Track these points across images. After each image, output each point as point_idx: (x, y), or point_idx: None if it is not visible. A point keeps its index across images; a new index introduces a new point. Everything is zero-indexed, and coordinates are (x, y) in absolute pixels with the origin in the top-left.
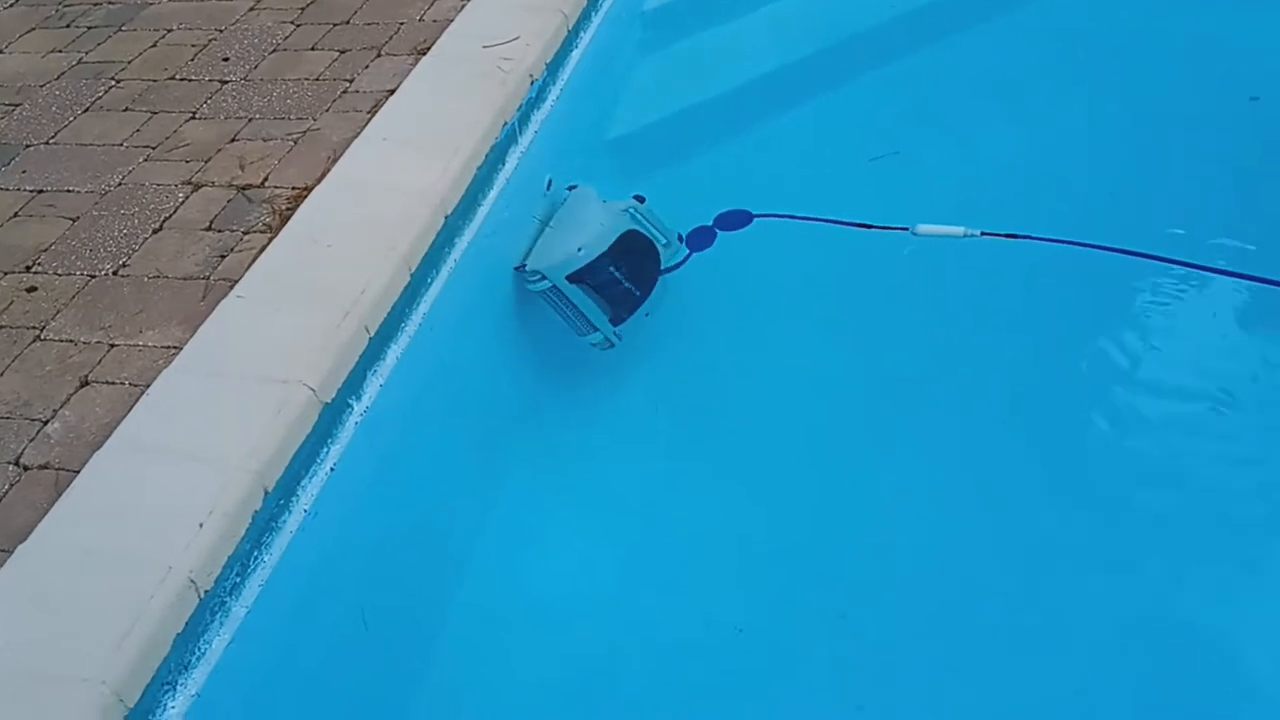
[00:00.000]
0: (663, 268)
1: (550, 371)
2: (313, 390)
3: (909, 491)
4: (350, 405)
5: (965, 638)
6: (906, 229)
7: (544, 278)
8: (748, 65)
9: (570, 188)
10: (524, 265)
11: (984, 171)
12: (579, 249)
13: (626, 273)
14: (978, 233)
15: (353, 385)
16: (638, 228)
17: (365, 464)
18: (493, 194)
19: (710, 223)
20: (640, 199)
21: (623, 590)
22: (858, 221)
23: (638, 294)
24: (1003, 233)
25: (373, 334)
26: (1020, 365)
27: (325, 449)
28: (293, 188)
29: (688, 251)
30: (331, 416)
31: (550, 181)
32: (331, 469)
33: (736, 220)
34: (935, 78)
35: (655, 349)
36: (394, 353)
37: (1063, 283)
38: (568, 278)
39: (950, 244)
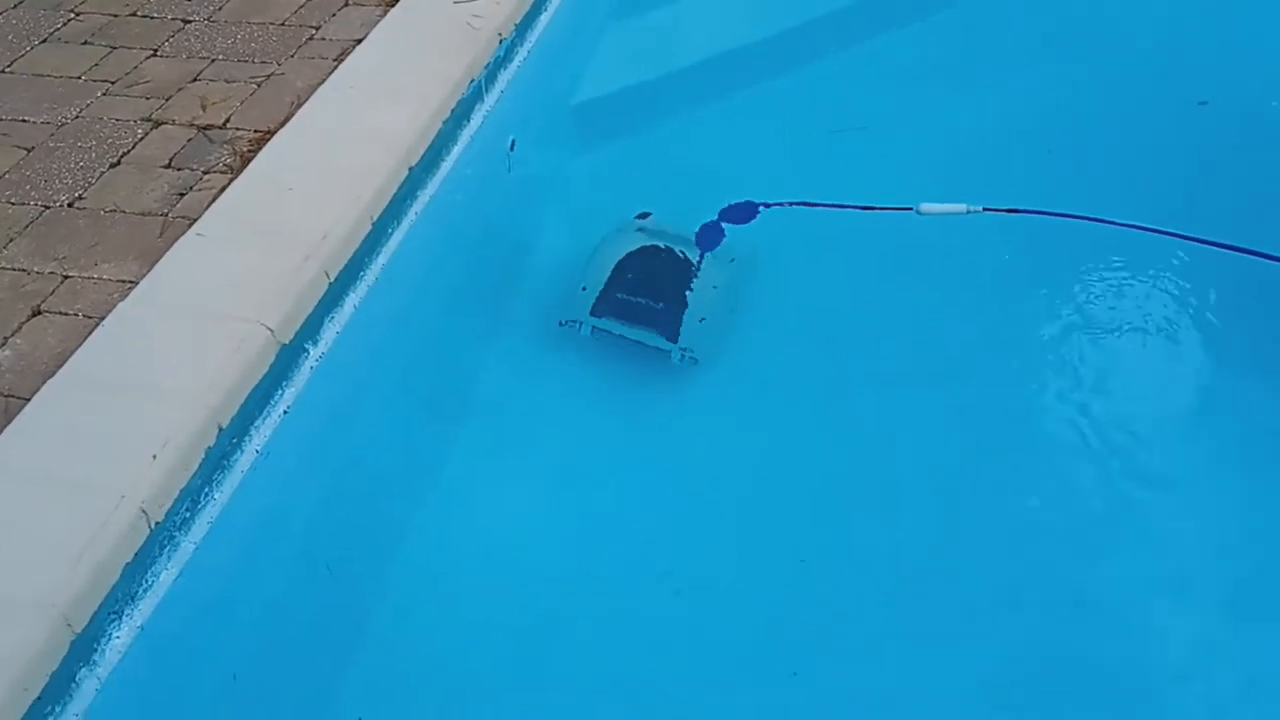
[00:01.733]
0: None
1: (508, 333)
2: (271, 331)
3: (857, 465)
4: (307, 349)
5: (901, 608)
6: (911, 209)
7: (579, 323)
8: (720, 37)
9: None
10: (564, 320)
11: (973, 146)
12: (583, 288)
13: (640, 292)
14: (979, 209)
15: (310, 330)
16: (646, 244)
17: (320, 409)
18: (457, 150)
19: (715, 218)
20: (644, 215)
21: (566, 550)
22: (862, 205)
23: (660, 306)
24: (1003, 208)
25: (332, 280)
26: (1021, 335)
27: (280, 391)
28: (255, 130)
29: (700, 253)
30: (288, 359)
31: (514, 142)
32: (286, 411)
33: (742, 213)
34: (911, 53)
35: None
36: (352, 301)
37: (1063, 254)
38: (592, 314)
39: (954, 221)
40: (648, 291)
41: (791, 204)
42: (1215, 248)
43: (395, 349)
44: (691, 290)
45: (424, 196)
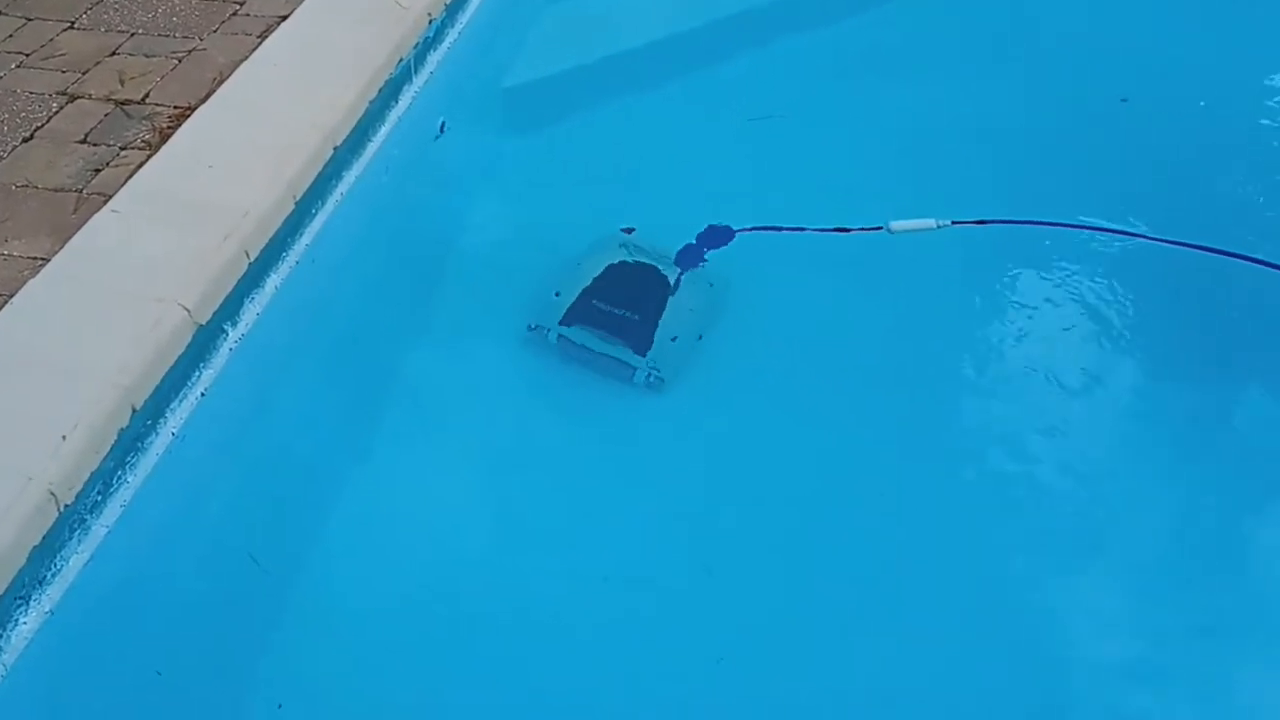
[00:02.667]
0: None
1: (438, 321)
2: (187, 311)
3: (796, 454)
4: (225, 330)
5: (830, 595)
6: (881, 228)
7: (548, 330)
8: (655, 24)
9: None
10: (532, 325)
11: (914, 144)
12: (555, 294)
13: (618, 302)
14: (948, 222)
15: (229, 310)
16: (626, 258)
17: (238, 392)
18: (384, 130)
19: (694, 241)
20: (629, 230)
21: (493, 539)
22: (834, 227)
23: (636, 318)
24: (971, 220)
25: (253, 259)
26: (1002, 354)
27: (197, 373)
28: (175, 106)
29: (679, 271)
30: (206, 340)
31: (444, 124)
32: (203, 394)
33: (719, 237)
34: (858, 43)
35: None
36: (273, 281)
37: (1033, 261)
38: (561, 322)
39: (924, 237)
40: (623, 303)
41: (765, 229)
42: (1182, 248)
43: (319, 333)
44: (667, 309)
45: (349, 177)
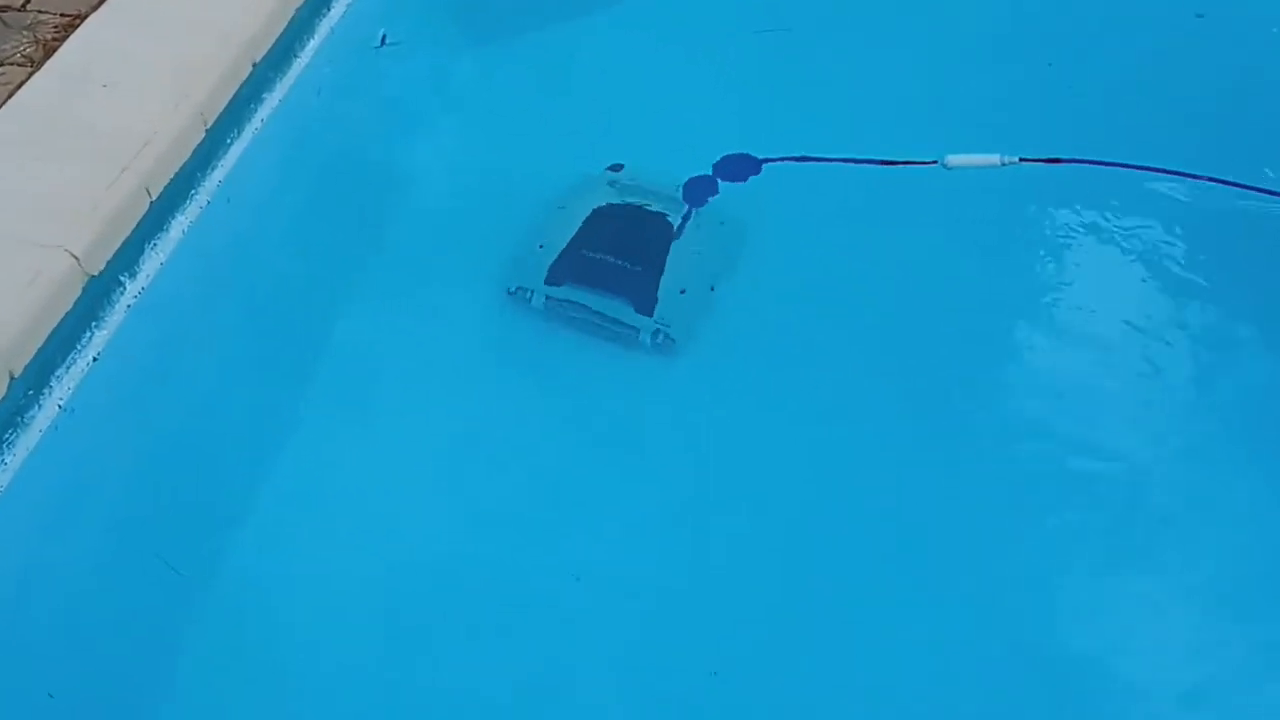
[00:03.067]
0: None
1: (377, 269)
2: (76, 259)
3: (839, 471)
4: (122, 283)
5: (829, 605)
6: (935, 162)
7: (532, 292)
8: None
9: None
10: (514, 288)
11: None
12: (540, 246)
13: (610, 251)
14: (1015, 159)
15: (127, 259)
16: (615, 200)
17: (137, 356)
18: (313, 43)
19: (710, 172)
20: (616, 167)
21: (441, 530)
22: (880, 159)
23: (637, 269)
24: (1042, 157)
25: (155, 198)
26: (1066, 313)
27: (88, 333)
28: (61, 14)
29: (687, 209)
30: (98, 294)
31: (384, 37)
32: (95, 359)
33: (740, 169)
34: None
35: None
36: (180, 225)
37: (1117, 208)
38: (548, 281)
39: (985, 175)
40: (619, 253)
41: (798, 159)
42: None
43: (234, 286)
44: (671, 255)
45: (271, 100)
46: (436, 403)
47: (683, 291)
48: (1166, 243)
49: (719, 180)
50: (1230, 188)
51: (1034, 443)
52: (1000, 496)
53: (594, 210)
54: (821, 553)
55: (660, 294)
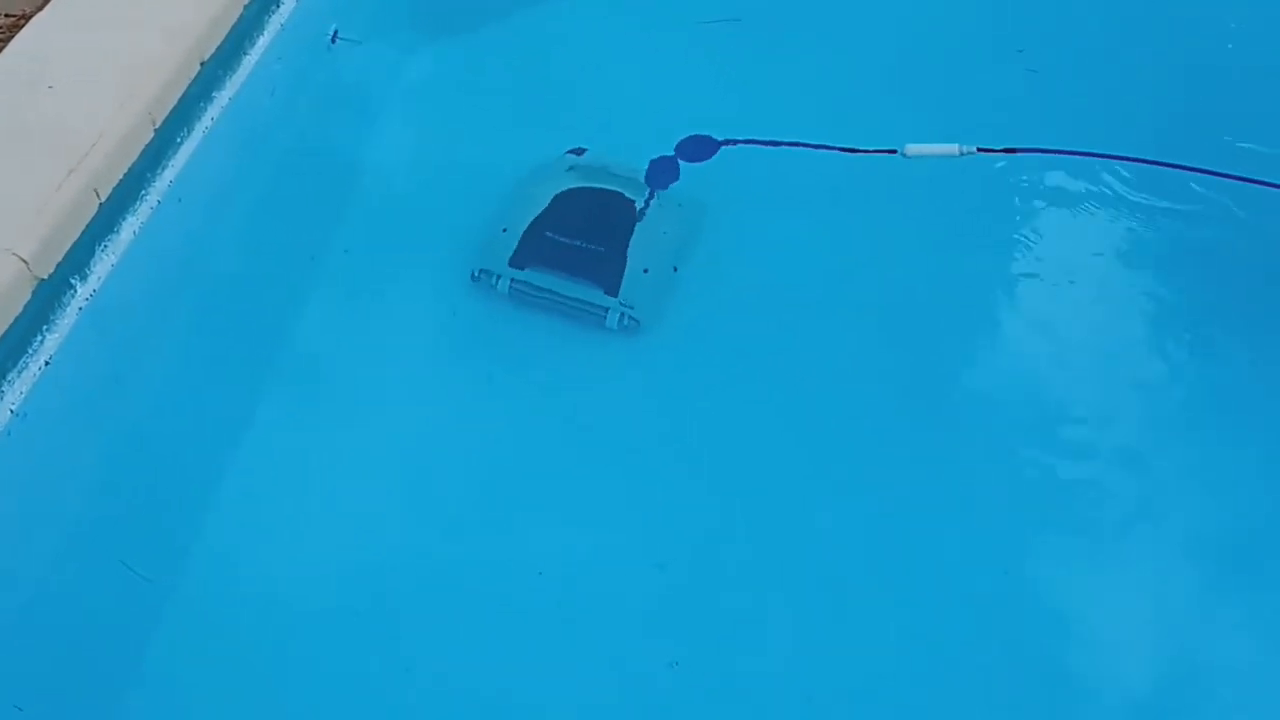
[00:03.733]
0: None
1: (335, 268)
2: (25, 262)
3: (804, 452)
4: (73, 286)
5: (790, 594)
6: (895, 151)
7: (497, 276)
8: None
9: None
10: (477, 272)
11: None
12: (503, 230)
13: (573, 234)
14: (973, 149)
15: (77, 261)
16: (578, 183)
17: (91, 360)
18: (263, 40)
19: (671, 152)
20: (579, 151)
21: (406, 521)
22: (841, 146)
23: (601, 250)
24: (999, 148)
25: (104, 199)
26: (1023, 296)
27: (39, 337)
28: (5, 15)
29: (649, 191)
30: (48, 297)
31: (336, 32)
32: (47, 363)
33: (699, 150)
34: None
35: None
36: (131, 226)
37: (1075, 198)
38: (512, 264)
39: (943, 165)
40: (583, 235)
41: (757, 143)
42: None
43: (188, 286)
44: (634, 237)
45: (221, 98)
46: (402, 392)
47: (646, 272)
48: (1123, 228)
49: (680, 162)
50: (1185, 172)
51: (1002, 421)
52: (970, 476)
53: (557, 194)
54: (788, 537)
55: (625, 275)
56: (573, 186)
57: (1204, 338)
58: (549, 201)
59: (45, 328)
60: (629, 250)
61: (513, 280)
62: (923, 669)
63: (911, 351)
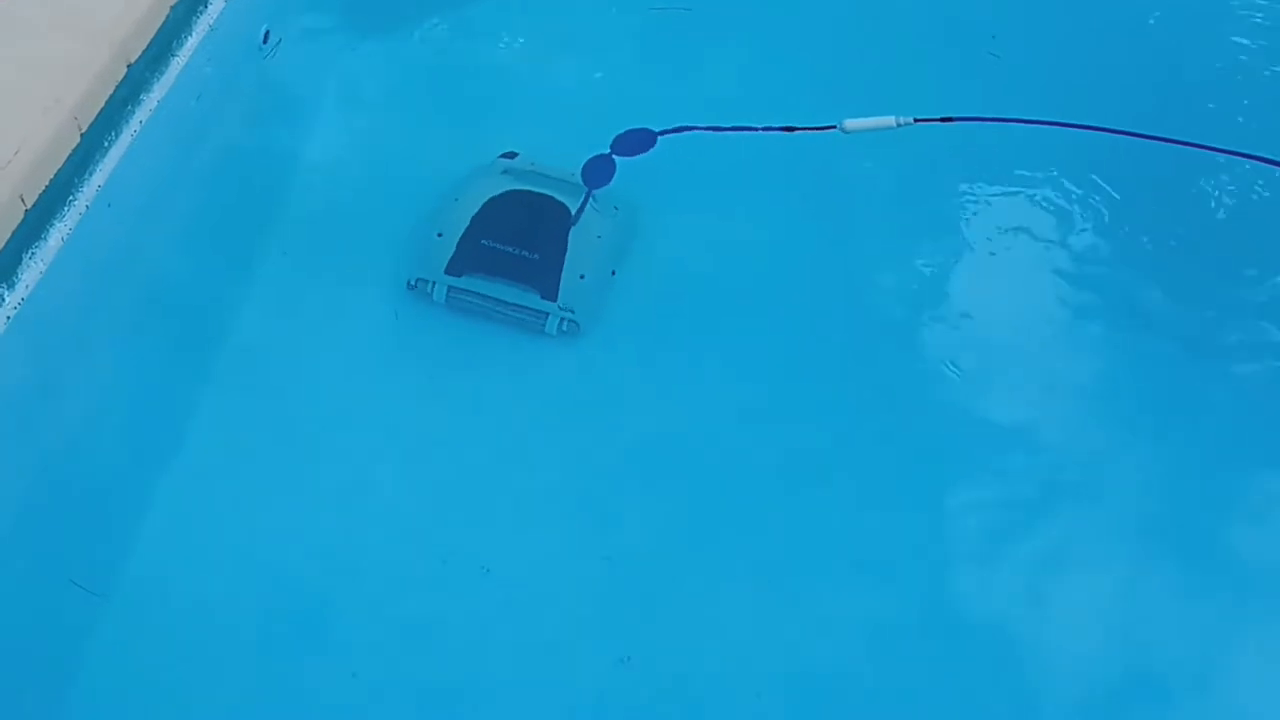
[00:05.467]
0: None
1: (268, 269)
2: None
3: (746, 450)
4: (1, 295)
5: (745, 590)
6: (834, 127)
7: (433, 284)
8: None
9: None
10: (414, 280)
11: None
12: (438, 235)
13: (508, 240)
14: (910, 120)
15: (3, 270)
16: (512, 187)
17: (19, 372)
18: (192, 42)
19: (607, 150)
20: (511, 155)
21: (347, 527)
22: (780, 125)
23: (536, 256)
24: (936, 117)
25: (30, 206)
26: (972, 276)
27: None
28: None
29: (586, 192)
30: None
31: (268, 33)
32: None
33: (636, 143)
34: None
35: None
36: (59, 232)
37: (1006, 163)
38: (448, 272)
39: (880, 138)
40: (518, 241)
41: (694, 129)
42: (1173, 145)
43: (119, 293)
44: (571, 241)
45: (150, 101)
46: (341, 401)
47: (583, 277)
48: (1063, 194)
49: (615, 160)
50: (1121, 136)
51: (948, 403)
52: (918, 463)
53: (491, 198)
54: (730, 534)
55: (562, 280)
56: (507, 190)
57: (1153, 310)
58: (482, 206)
59: None
60: (566, 255)
61: (450, 288)
62: (872, 663)
63: (856, 341)
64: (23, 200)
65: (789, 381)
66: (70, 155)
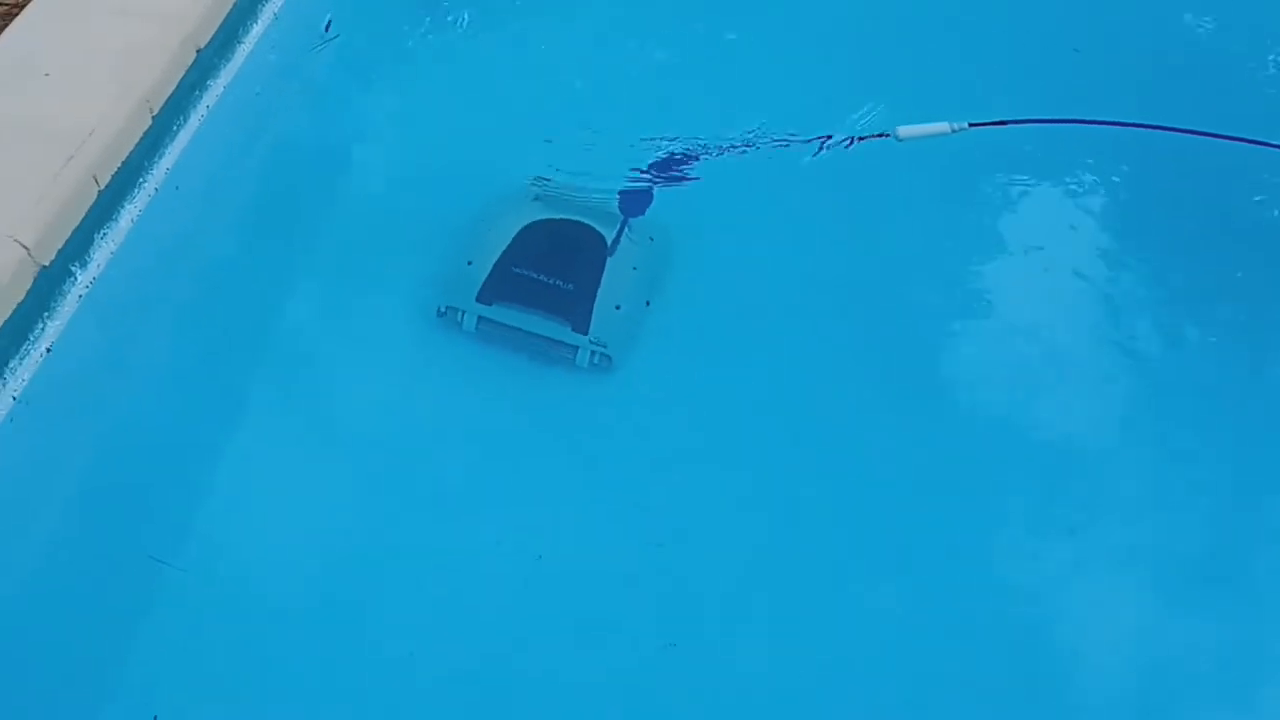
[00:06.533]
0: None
1: (326, 260)
2: (26, 249)
3: (771, 443)
4: (73, 273)
5: (785, 576)
6: (887, 134)
7: (463, 313)
8: None
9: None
10: (443, 308)
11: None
12: (468, 263)
13: (541, 268)
14: (964, 125)
15: (77, 249)
16: (547, 215)
17: (91, 347)
18: (257, 30)
19: (645, 176)
20: (544, 179)
21: (390, 512)
22: (843, 136)
23: (570, 287)
24: (991, 120)
25: (103, 187)
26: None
27: (40, 325)
28: (1, 4)
29: (622, 220)
30: (49, 285)
31: (330, 23)
32: (48, 350)
33: (676, 166)
34: None
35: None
36: (129, 213)
37: (1063, 166)
38: (479, 299)
39: (936, 145)
40: (552, 270)
41: (736, 148)
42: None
43: (184, 274)
44: (606, 271)
45: (216, 87)
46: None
47: (618, 308)
48: (1120, 193)
49: (654, 188)
50: (1175, 134)
51: (995, 433)
52: (959, 491)
53: (524, 225)
54: (770, 560)
55: (595, 311)
56: (541, 218)
57: (1198, 318)
58: (516, 233)
59: (46, 315)
60: (600, 286)
61: (480, 317)
62: (904, 657)
63: (899, 365)
64: (96, 181)
65: (830, 416)
66: (141, 138)
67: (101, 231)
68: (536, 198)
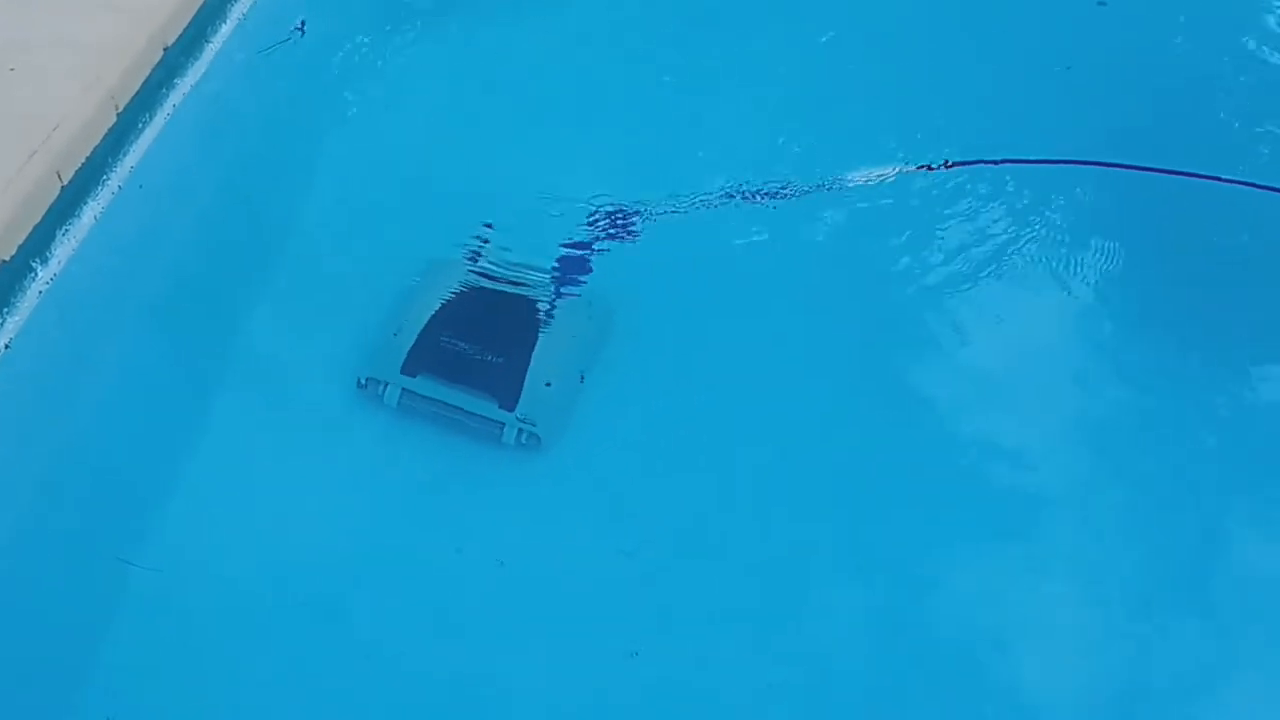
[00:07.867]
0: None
1: (291, 262)
2: None
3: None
4: (34, 269)
5: (749, 589)
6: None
7: (386, 385)
8: None
9: None
10: (364, 379)
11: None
12: (395, 334)
13: (473, 339)
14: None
15: (38, 244)
16: (480, 283)
17: (51, 344)
18: (226, 28)
19: (583, 241)
20: (483, 242)
21: (359, 520)
22: (791, 191)
23: (499, 360)
24: (925, 165)
25: (66, 183)
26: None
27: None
28: None
29: (555, 289)
30: (10, 280)
31: (303, 23)
32: (7, 346)
33: (620, 225)
34: None
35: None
36: (92, 210)
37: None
38: (403, 372)
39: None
40: (481, 341)
41: (676, 210)
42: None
43: (147, 273)
44: (538, 343)
45: (183, 85)
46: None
47: (548, 384)
48: (1088, 231)
49: (591, 255)
50: (1138, 173)
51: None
52: (926, 486)
53: (455, 293)
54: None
55: (525, 388)
56: (473, 285)
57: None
58: (445, 301)
59: (6, 311)
60: (532, 359)
61: (403, 390)
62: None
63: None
64: (59, 176)
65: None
66: (106, 134)
67: (64, 227)
68: (470, 261)
